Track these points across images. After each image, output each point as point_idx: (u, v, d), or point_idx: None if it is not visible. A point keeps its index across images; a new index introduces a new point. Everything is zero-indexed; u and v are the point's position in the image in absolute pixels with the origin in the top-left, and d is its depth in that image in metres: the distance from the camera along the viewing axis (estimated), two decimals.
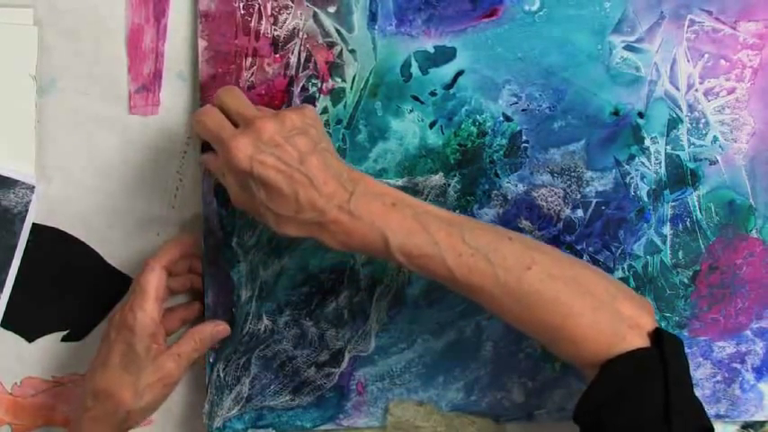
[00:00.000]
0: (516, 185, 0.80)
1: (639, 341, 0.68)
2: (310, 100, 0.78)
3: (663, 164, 0.80)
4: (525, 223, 0.80)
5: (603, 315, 0.68)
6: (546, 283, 0.68)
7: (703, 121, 0.80)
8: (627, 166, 0.80)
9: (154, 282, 0.73)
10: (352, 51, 0.78)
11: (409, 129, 0.79)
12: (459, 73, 0.78)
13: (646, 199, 0.81)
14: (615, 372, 0.67)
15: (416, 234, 0.67)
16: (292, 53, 0.78)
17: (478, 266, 0.67)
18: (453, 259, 0.67)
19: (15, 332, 0.80)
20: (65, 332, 0.81)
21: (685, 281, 0.82)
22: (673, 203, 0.81)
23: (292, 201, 0.67)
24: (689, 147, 0.80)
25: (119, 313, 0.74)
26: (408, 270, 0.69)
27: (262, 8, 0.77)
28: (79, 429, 0.73)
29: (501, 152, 0.79)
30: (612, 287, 0.70)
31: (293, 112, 0.69)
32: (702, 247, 0.81)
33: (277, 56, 0.77)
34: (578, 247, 0.81)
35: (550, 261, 0.69)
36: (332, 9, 0.77)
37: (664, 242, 0.81)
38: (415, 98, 0.78)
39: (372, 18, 0.77)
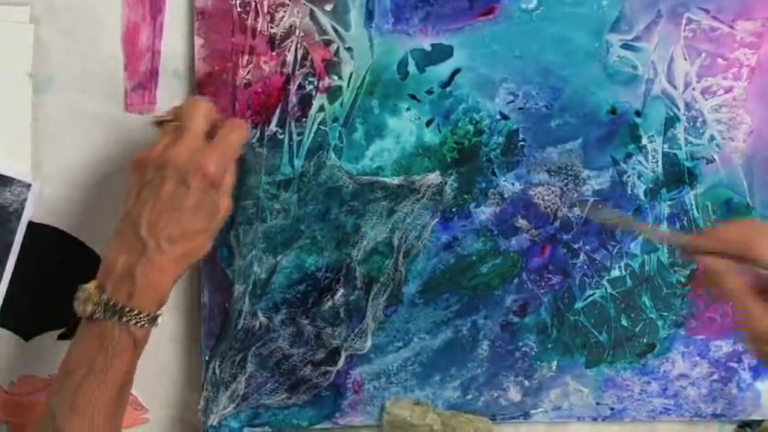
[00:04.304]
0: (513, 184, 0.80)
1: None
2: (307, 98, 0.78)
3: (660, 162, 0.80)
4: (522, 222, 0.80)
5: None
6: None
7: (701, 119, 0.80)
8: (624, 165, 0.80)
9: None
10: (348, 49, 0.77)
11: (406, 127, 0.79)
12: (456, 71, 0.78)
13: (643, 197, 0.80)
14: None
15: None
16: (289, 51, 0.77)
17: None
18: None
19: (12, 331, 0.80)
20: (61, 330, 0.80)
21: (682, 280, 0.82)
22: (670, 202, 0.81)
23: None
24: (686, 145, 0.80)
25: (188, 157, 0.69)
26: None
27: (258, 6, 0.76)
28: (160, 274, 0.70)
29: (498, 150, 0.79)
30: None
31: None
32: None
33: (274, 54, 0.77)
34: (575, 246, 0.81)
35: None
36: (329, 7, 0.77)
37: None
38: (412, 96, 0.78)
39: (369, 16, 0.77)
